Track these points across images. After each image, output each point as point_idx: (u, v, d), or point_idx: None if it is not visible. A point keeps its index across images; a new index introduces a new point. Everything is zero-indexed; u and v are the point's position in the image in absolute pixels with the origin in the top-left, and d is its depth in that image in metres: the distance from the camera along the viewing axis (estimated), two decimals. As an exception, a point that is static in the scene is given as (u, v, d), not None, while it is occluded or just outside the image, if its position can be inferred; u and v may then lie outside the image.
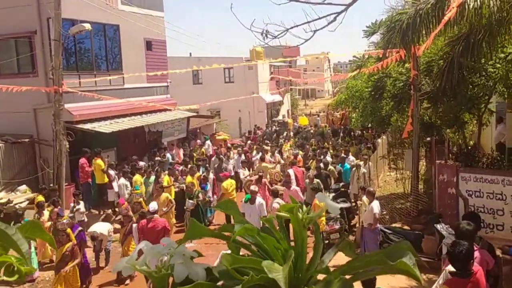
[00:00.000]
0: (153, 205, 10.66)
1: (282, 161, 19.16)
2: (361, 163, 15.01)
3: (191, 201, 13.82)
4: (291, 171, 15.11)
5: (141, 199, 13.14)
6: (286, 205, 1.20)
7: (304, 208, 1.19)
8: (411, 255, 1.09)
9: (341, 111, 34.21)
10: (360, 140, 22.21)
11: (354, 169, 14.96)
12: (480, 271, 4.97)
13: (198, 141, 24.30)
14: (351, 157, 17.12)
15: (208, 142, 23.78)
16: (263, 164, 17.79)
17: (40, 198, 13.07)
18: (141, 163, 17.56)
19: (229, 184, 14.66)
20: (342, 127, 31.04)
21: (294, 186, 13.55)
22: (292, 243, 1.19)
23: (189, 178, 15.01)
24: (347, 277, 1.11)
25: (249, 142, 26.16)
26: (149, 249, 1.10)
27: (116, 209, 14.43)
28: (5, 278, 0.94)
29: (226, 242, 1.19)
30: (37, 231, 0.94)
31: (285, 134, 29.75)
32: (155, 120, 20.34)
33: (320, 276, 1.14)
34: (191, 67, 26.29)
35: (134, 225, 10.88)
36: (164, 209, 12.88)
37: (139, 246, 1.15)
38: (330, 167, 15.58)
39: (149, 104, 19.79)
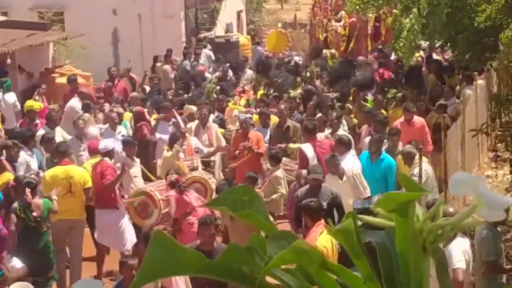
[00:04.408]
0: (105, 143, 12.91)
1: (223, 140, 15.41)
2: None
3: None
4: (307, 147, 12.57)
5: None
6: (393, 194, 1.15)
7: (422, 209, 1.14)
8: None
9: (346, 17, 24.27)
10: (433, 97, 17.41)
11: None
12: None
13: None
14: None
15: (10, 95, 17.84)
16: (169, 153, 13.86)
17: None
18: None
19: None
20: (349, 58, 23.14)
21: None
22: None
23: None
24: None
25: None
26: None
27: None
28: None
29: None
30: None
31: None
32: None
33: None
34: None
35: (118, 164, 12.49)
36: None
37: None
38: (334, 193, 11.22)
39: None
